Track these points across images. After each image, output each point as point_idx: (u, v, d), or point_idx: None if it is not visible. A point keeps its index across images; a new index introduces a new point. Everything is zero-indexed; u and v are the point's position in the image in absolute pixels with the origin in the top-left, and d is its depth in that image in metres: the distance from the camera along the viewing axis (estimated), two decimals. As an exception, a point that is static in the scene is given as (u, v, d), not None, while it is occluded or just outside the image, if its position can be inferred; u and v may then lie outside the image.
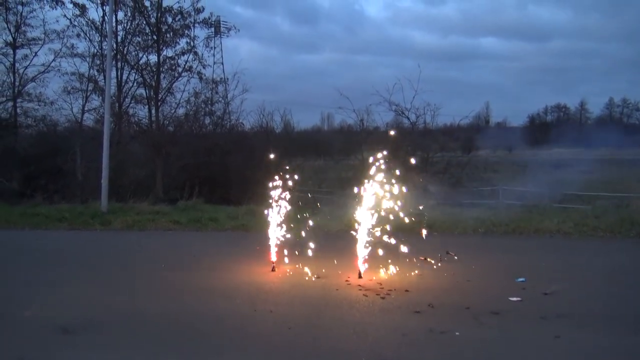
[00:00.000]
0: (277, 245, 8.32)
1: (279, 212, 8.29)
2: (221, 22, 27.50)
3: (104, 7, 22.47)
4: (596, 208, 13.99)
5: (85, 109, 23.88)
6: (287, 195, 8.33)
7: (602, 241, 10.89)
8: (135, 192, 16.67)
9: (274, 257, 8.27)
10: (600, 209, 13.66)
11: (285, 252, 8.39)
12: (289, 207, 8.38)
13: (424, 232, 8.82)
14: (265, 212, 8.40)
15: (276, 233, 8.32)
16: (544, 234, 11.53)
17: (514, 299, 6.45)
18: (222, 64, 28.09)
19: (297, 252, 8.38)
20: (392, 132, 15.16)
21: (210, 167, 20.34)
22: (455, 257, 8.91)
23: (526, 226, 11.93)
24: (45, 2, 22.65)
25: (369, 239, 7.65)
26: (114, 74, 21.84)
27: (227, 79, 24.30)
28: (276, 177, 8.31)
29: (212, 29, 25.60)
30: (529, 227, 11.87)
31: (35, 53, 23.42)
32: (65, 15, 22.87)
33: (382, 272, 7.80)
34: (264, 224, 8.55)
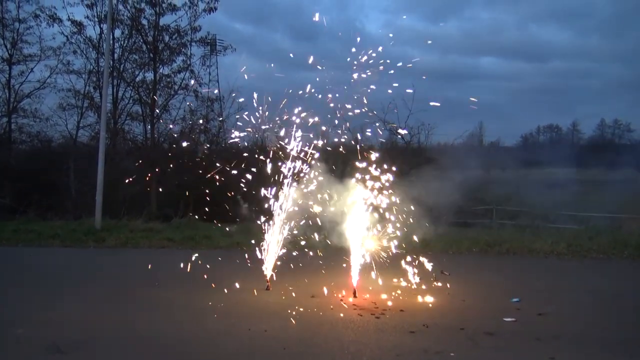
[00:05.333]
0: (271, 263, 8.30)
1: (273, 230, 8.28)
2: (217, 41, 27.67)
3: (101, 25, 22.63)
4: (589, 229, 14.07)
5: (80, 125, 23.88)
6: (281, 213, 8.34)
7: (596, 262, 10.94)
8: (129, 209, 16.60)
9: (268, 276, 8.24)
10: (593, 229, 13.74)
11: (280, 270, 8.37)
12: (283, 225, 8.38)
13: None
14: (260, 229, 8.39)
15: (271, 251, 8.30)
16: (538, 254, 11.57)
17: (509, 319, 6.46)
18: (218, 81, 28.20)
19: (291, 270, 8.36)
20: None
21: (205, 184, 20.22)
22: (447, 274, 8.94)
23: (520, 246, 11.99)
24: (42, 19, 22.76)
25: (363, 259, 7.67)
26: (110, 90, 21.89)
27: (223, 96, 24.40)
28: (270, 195, 8.31)
29: (209, 47, 25.77)
30: (523, 247, 11.93)
31: (31, 69, 23.46)
32: (62, 33, 22.97)
33: (377, 291, 7.80)
34: (258, 242, 8.54)
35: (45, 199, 19.10)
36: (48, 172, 21.37)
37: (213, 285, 8.24)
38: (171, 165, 19.23)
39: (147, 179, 20.37)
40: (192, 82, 23.83)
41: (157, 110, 23.48)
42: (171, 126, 23.73)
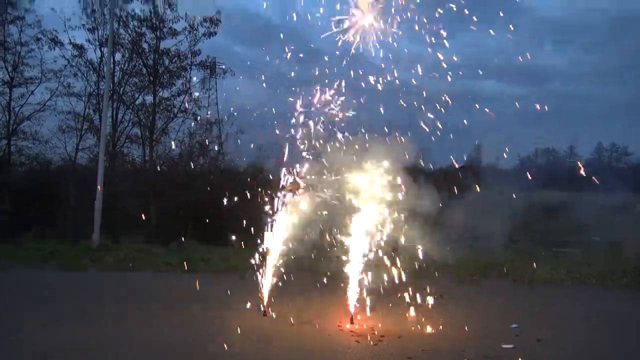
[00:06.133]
0: (269, 287, 8.25)
1: (270, 254, 8.25)
2: (217, 64, 27.86)
3: (102, 48, 22.83)
4: (588, 255, 14.04)
5: (80, 147, 23.93)
6: (280, 236, 8.32)
7: (595, 289, 10.93)
8: (127, 231, 16.59)
9: (265, 301, 8.19)
10: (592, 255, 13.71)
11: (278, 294, 8.32)
12: (280, 248, 8.36)
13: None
14: (257, 253, 8.37)
15: (268, 275, 8.26)
16: (537, 279, 11.54)
17: (507, 346, 6.42)
18: (217, 104, 28.31)
19: (289, 295, 8.32)
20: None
21: (203, 206, 20.30)
22: (444, 298, 8.91)
23: (519, 271, 11.96)
24: (43, 42, 22.93)
25: (360, 283, 7.64)
26: (109, 113, 22.00)
27: (222, 119, 24.49)
28: (269, 218, 8.31)
29: (208, 71, 25.93)
30: (523, 272, 11.90)
31: (32, 92, 23.52)
32: (63, 56, 23.15)
33: (374, 317, 7.75)
34: (255, 265, 8.50)
35: (43, 219, 19.09)
36: (47, 193, 21.38)
37: (209, 309, 8.19)
38: (169, 188, 19.32)
39: (146, 200, 20.42)
40: (192, 105, 23.99)
41: (156, 133, 23.58)
42: (173, 146, 23.81)
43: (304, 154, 8.27)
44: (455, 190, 9.45)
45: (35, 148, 23.87)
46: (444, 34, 7.87)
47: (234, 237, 11.60)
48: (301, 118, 8.21)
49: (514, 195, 10.02)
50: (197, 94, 24.08)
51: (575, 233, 19.13)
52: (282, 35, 8.61)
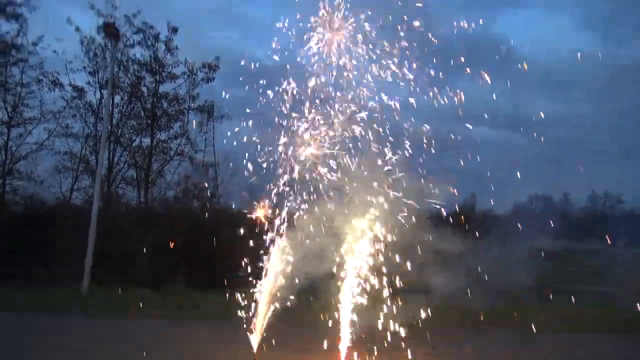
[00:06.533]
0: (259, 335, 8.12)
1: (262, 300, 8.16)
2: (214, 108, 28.27)
3: (102, 91, 23.21)
4: (583, 303, 13.96)
5: (75, 187, 23.96)
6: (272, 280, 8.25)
7: (589, 337, 10.81)
8: (119, 274, 16.41)
9: (255, 349, 8.05)
10: (586, 304, 13.64)
11: (269, 342, 8.18)
12: (273, 294, 8.27)
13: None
14: (249, 298, 8.27)
15: (259, 322, 8.14)
16: (531, 328, 11.41)
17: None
18: (214, 146, 28.54)
19: (281, 343, 8.19)
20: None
21: (196, 249, 20.17)
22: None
23: (513, 320, 11.83)
24: (44, 84, 23.28)
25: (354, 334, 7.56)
26: (106, 154, 22.14)
27: (218, 162, 24.67)
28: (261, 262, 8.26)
29: (206, 115, 26.28)
30: (516, 321, 11.77)
31: (30, 132, 23.72)
32: (63, 97, 23.47)
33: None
34: (247, 310, 8.38)
35: (34, 262, 18.85)
36: (39, 234, 21.19)
37: (200, 356, 8.04)
38: (163, 229, 19.19)
39: (138, 243, 20.25)
40: (188, 148, 24.21)
41: (152, 175, 23.70)
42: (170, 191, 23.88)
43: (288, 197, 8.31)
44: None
45: (30, 188, 23.88)
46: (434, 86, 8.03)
47: (226, 281, 11.53)
48: (292, 163, 8.27)
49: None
50: (194, 137, 24.36)
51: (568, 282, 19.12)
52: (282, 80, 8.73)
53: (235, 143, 8.59)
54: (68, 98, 23.49)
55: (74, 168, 23.86)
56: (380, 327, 7.72)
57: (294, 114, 7.98)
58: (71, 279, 16.47)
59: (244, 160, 8.27)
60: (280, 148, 8.07)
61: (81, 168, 23.72)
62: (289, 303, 8.96)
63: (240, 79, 8.50)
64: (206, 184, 24.07)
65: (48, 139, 23.64)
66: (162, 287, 15.66)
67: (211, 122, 28.12)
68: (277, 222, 8.24)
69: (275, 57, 7.98)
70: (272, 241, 8.19)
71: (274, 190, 8.22)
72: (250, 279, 8.29)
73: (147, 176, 23.59)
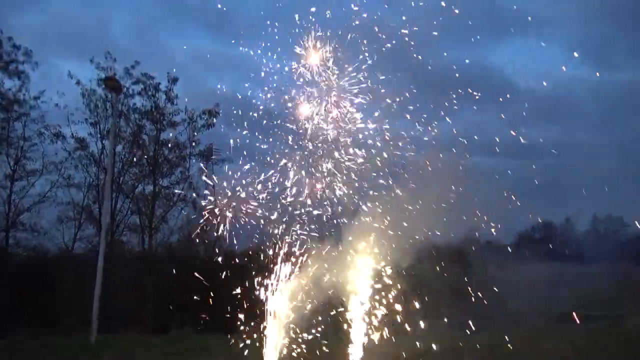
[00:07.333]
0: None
1: (270, 342, 8.16)
2: (214, 151, 28.48)
3: (104, 141, 23.49)
4: (592, 329, 13.87)
5: (77, 237, 23.96)
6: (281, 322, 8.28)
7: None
8: (125, 320, 16.33)
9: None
10: (596, 330, 13.55)
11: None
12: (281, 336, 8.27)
13: None
14: (259, 339, 8.28)
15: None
16: (541, 357, 11.37)
17: None
18: (214, 190, 28.61)
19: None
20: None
21: (202, 292, 20.07)
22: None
23: (525, 349, 11.76)
24: (45, 137, 23.48)
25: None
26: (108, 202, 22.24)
27: (220, 206, 24.63)
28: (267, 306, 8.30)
29: (206, 159, 26.47)
30: (529, 349, 11.70)
31: (32, 184, 23.80)
32: (65, 148, 23.67)
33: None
34: (255, 353, 8.37)
35: (40, 312, 18.77)
36: (43, 284, 21.15)
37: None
38: (168, 274, 19.17)
39: (144, 289, 20.23)
40: (190, 193, 24.32)
41: (155, 221, 23.77)
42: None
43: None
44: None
45: (34, 239, 23.86)
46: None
47: (235, 324, 11.47)
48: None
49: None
50: (196, 182, 24.47)
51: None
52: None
53: (236, 185, 8.81)
54: (70, 149, 23.72)
55: (77, 218, 23.94)
56: None
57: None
58: (76, 327, 16.38)
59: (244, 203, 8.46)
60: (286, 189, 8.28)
61: (84, 217, 23.80)
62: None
63: (242, 124, 8.79)
64: (209, 228, 24.11)
65: (50, 190, 23.77)
66: (170, 331, 15.53)
67: (211, 164, 28.40)
68: (281, 263, 8.35)
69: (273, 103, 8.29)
70: (277, 282, 8.27)
71: (278, 231, 8.38)
72: (257, 321, 8.33)
73: (150, 222, 23.65)
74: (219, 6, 10.81)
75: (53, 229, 23.83)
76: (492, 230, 8.99)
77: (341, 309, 8.27)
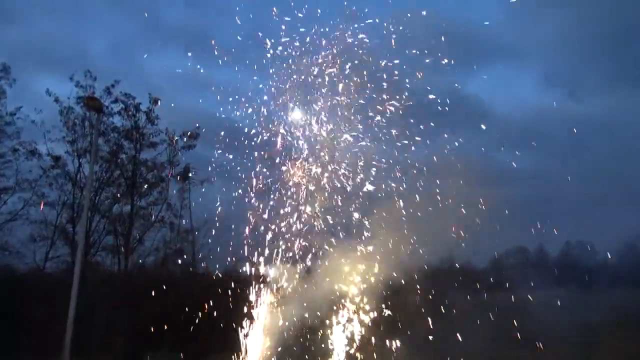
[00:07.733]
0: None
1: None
2: (192, 171, 28.23)
3: (80, 159, 23.15)
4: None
5: (50, 256, 23.38)
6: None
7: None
8: (100, 347, 15.91)
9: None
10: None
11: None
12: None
13: None
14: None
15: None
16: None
17: None
18: (190, 211, 28.20)
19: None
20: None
21: (179, 316, 19.75)
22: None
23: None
24: (20, 153, 22.92)
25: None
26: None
27: (198, 229, 24.36)
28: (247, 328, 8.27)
29: (182, 180, 26.19)
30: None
31: (5, 201, 23.24)
32: (40, 166, 23.18)
33: None
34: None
35: (9, 337, 18.16)
36: (12, 306, 20.51)
37: None
38: (144, 297, 18.77)
39: (119, 311, 19.76)
40: (168, 214, 24.10)
41: (133, 242, 23.43)
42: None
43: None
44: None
45: (4, 259, 23.23)
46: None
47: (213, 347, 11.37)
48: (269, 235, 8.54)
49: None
50: (174, 203, 24.25)
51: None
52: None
53: (219, 207, 8.88)
54: (46, 167, 23.26)
55: (50, 236, 23.39)
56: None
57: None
58: (45, 350, 15.88)
59: (223, 225, 8.49)
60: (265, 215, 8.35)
61: (57, 236, 23.27)
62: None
63: (220, 145, 8.90)
64: (186, 249, 23.88)
65: (23, 208, 23.20)
66: (144, 356, 15.21)
67: (188, 186, 28.14)
68: (262, 287, 8.37)
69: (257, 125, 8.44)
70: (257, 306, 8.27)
71: (260, 253, 8.42)
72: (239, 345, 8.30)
73: (127, 243, 23.27)
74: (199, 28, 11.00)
75: (24, 248, 23.25)
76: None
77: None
